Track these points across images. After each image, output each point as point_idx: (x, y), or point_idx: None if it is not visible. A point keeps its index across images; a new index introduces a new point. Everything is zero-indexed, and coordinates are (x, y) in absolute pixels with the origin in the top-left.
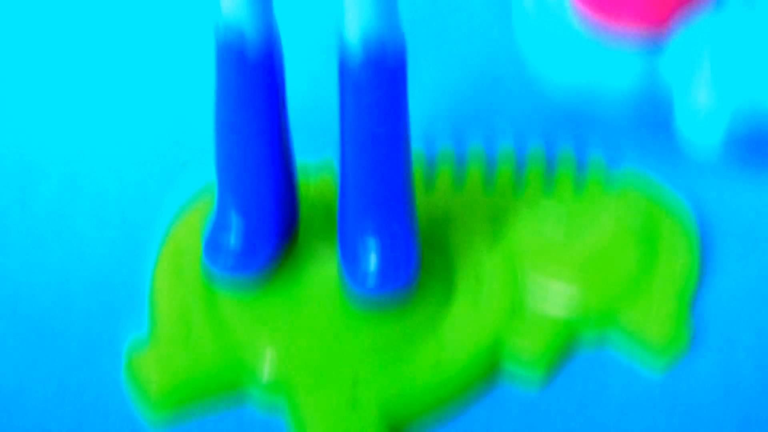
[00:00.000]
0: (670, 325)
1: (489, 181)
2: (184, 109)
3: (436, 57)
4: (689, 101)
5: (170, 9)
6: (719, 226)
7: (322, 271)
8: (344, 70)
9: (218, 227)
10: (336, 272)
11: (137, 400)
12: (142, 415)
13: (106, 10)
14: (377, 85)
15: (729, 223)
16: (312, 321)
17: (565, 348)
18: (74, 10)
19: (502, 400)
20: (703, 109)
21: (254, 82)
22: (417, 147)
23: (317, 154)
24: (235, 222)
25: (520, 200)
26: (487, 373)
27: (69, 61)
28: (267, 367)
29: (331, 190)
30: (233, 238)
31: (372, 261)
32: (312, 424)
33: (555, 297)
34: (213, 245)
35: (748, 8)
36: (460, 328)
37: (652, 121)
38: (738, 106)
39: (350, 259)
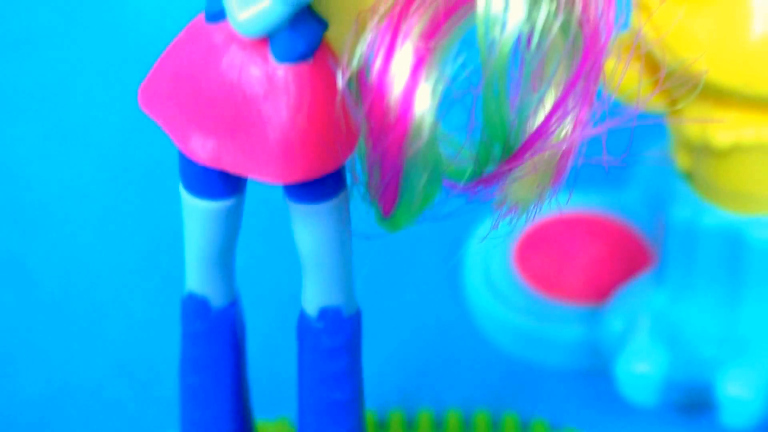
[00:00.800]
0: None
1: (438, 428)
2: (150, 364)
3: (388, 323)
4: (627, 362)
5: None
6: None
7: None
8: (302, 335)
9: None
10: None
11: None
12: None
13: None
14: (332, 350)
15: None
16: None
17: None
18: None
19: None
20: (641, 370)
21: (215, 334)
22: (370, 406)
23: (274, 412)
24: None
25: None
26: None
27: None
28: None
29: None
30: None
31: None
32: None
33: None
34: None
35: (686, 285)
36: None
37: (594, 377)
38: (674, 368)
39: None
